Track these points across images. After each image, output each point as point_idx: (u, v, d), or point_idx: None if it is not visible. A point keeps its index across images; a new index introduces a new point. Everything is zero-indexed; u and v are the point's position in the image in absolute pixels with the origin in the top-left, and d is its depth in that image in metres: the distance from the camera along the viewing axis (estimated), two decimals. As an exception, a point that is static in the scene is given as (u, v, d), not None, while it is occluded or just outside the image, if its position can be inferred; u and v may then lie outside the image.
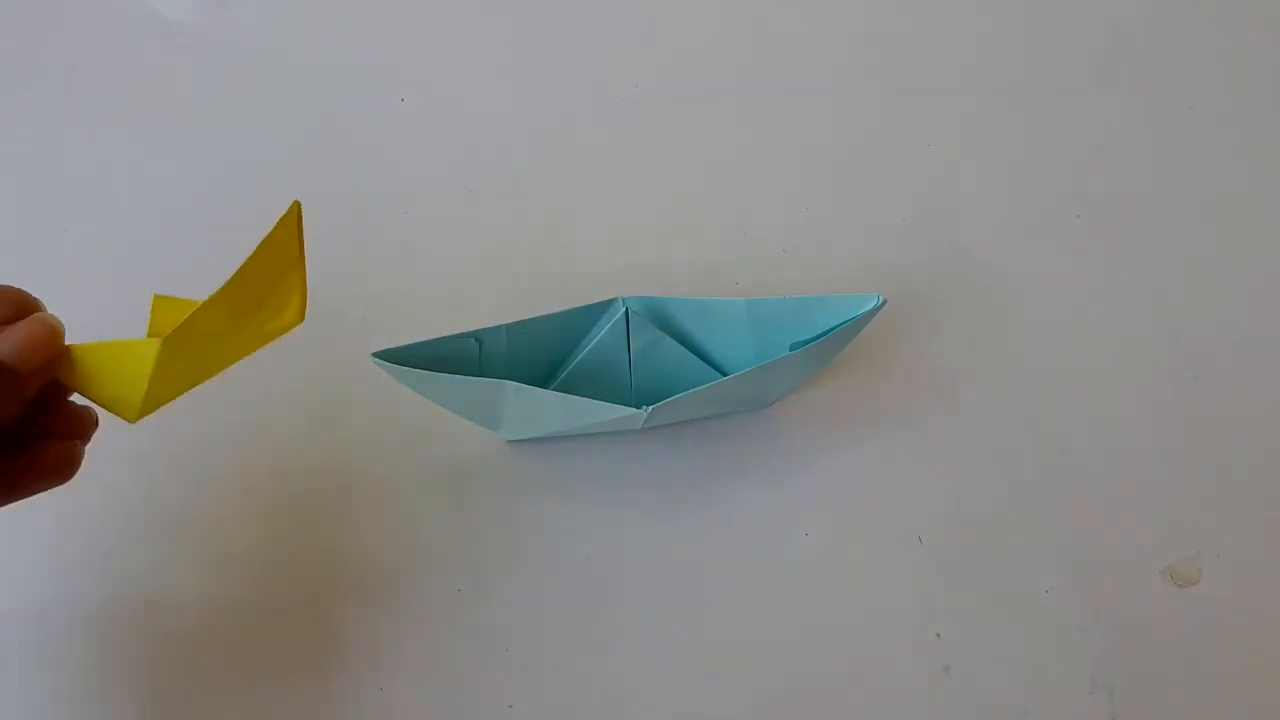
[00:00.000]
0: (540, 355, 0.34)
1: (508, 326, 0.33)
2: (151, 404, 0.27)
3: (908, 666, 0.31)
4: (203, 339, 0.27)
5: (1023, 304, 0.40)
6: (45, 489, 0.26)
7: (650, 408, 0.31)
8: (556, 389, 0.34)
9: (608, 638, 0.32)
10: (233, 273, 0.27)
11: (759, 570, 0.33)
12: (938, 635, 0.32)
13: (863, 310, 0.32)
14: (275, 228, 0.27)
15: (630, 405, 0.31)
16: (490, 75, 0.49)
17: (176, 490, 0.34)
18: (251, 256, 0.27)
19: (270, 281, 0.28)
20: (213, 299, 0.26)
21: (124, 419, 0.27)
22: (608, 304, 0.34)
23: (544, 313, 0.33)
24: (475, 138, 0.46)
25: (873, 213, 0.43)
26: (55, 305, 0.39)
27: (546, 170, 0.45)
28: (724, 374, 0.34)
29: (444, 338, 0.32)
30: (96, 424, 0.28)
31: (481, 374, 0.32)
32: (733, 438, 0.36)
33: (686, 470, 0.35)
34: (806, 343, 0.33)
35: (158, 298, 0.28)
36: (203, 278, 0.40)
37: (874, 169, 0.45)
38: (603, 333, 0.34)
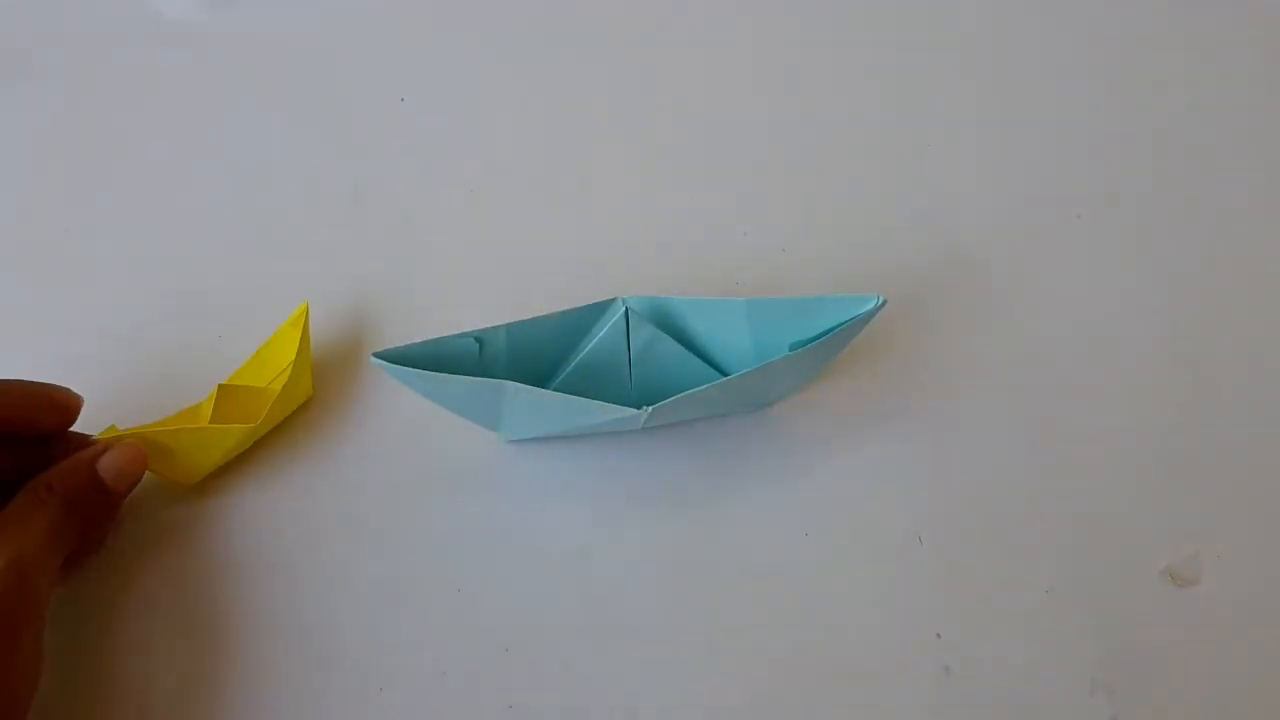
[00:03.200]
0: (540, 355, 0.34)
1: (507, 326, 0.33)
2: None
3: (908, 666, 0.31)
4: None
5: (1023, 304, 0.40)
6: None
7: (650, 408, 0.31)
8: (556, 389, 0.34)
9: (608, 637, 0.32)
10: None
11: (759, 570, 0.33)
12: (938, 635, 0.32)
13: (863, 310, 0.32)
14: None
15: (630, 405, 0.31)
16: (490, 75, 0.49)
17: (176, 493, 0.34)
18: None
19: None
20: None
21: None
22: (607, 304, 0.34)
23: (544, 313, 0.33)
24: (475, 138, 0.46)
25: (872, 213, 0.43)
26: (53, 306, 0.39)
27: (546, 170, 0.45)
28: (724, 374, 0.34)
29: (444, 338, 0.32)
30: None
31: (482, 374, 0.32)
32: (733, 438, 0.36)
33: (686, 470, 0.35)
34: (806, 343, 0.33)
35: (221, 386, 0.34)
36: (203, 277, 0.41)
37: (874, 169, 0.45)
38: (603, 333, 0.34)
